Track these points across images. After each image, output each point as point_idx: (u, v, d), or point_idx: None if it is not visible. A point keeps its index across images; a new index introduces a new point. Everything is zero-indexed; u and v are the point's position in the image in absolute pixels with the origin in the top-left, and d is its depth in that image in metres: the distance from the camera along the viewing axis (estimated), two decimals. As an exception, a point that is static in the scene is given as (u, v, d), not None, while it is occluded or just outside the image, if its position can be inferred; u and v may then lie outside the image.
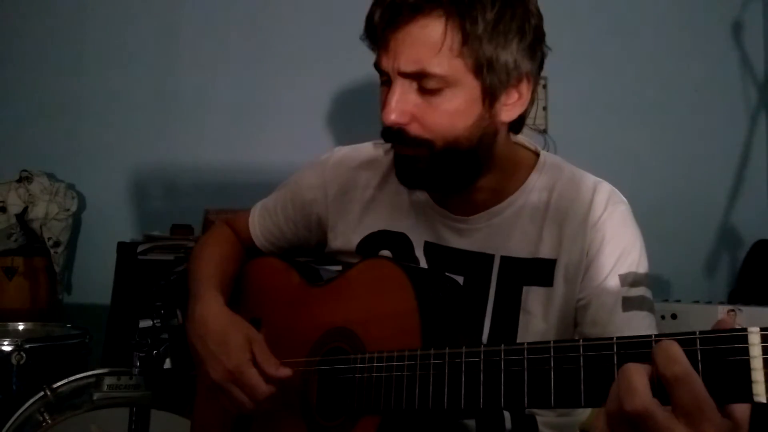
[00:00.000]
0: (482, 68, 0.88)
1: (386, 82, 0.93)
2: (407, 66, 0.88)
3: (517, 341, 0.96)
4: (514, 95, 0.94)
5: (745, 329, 0.56)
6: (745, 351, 0.55)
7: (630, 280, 0.94)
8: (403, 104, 0.90)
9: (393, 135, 0.92)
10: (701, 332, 0.58)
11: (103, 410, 1.48)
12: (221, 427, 1.10)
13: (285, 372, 0.96)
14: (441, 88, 0.88)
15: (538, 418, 0.98)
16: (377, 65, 0.93)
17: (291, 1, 2.55)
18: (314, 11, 2.53)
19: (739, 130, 2.50)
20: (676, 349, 0.57)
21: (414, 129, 0.91)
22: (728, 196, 2.46)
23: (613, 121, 2.51)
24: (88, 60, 2.54)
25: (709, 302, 1.94)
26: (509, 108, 0.94)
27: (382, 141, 1.14)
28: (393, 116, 0.90)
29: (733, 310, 1.72)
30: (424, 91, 0.89)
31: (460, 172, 0.95)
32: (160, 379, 1.50)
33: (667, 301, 1.94)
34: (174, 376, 1.50)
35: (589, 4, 2.53)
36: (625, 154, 2.45)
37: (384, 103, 0.91)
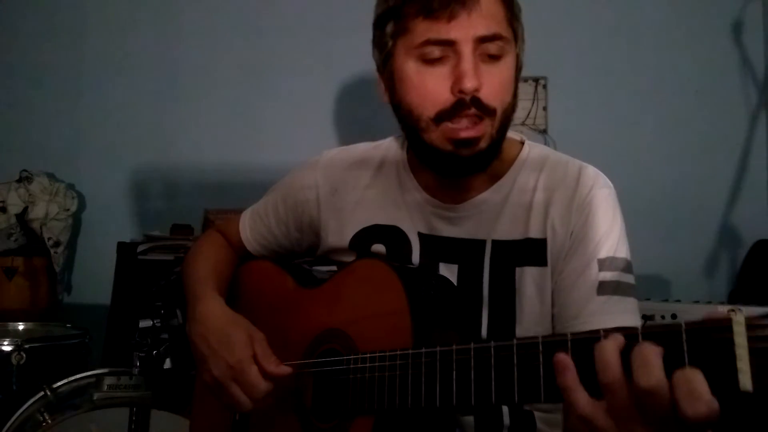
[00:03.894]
0: (519, 39, 0.97)
1: (436, 60, 0.92)
2: (488, 29, 0.91)
3: (516, 324, 0.97)
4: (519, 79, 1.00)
5: (729, 319, 0.55)
6: (730, 341, 0.55)
7: (607, 264, 0.95)
8: (479, 70, 0.91)
9: (470, 103, 0.91)
10: (687, 323, 0.58)
11: (103, 410, 1.48)
12: (219, 429, 1.10)
13: (285, 369, 0.96)
14: (501, 55, 0.93)
15: (537, 414, 0.98)
16: (432, 41, 0.91)
17: (290, 1, 2.55)
18: (313, 12, 2.53)
19: (739, 130, 2.50)
20: (655, 359, 0.57)
21: (485, 96, 0.92)
22: (728, 196, 2.46)
23: (613, 121, 2.51)
24: (88, 60, 2.54)
25: (709, 302, 1.94)
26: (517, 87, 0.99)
27: (373, 142, 1.15)
28: (476, 81, 0.90)
29: (733, 310, 1.71)
30: (488, 59, 0.92)
31: (499, 147, 0.97)
32: (160, 379, 1.50)
33: (667, 301, 1.94)
34: (174, 376, 1.50)
35: (588, 5, 2.53)
36: (625, 154, 2.45)
37: (462, 72, 0.90)
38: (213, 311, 1.06)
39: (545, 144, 2.44)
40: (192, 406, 1.20)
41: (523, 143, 1.06)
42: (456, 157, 0.94)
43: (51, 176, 2.41)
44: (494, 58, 0.92)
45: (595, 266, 0.94)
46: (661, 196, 2.43)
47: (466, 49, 0.90)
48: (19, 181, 2.34)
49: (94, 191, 2.52)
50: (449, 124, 0.92)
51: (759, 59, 2.52)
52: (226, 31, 2.55)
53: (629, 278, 0.96)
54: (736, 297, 2.31)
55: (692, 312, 1.77)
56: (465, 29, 0.90)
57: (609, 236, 0.96)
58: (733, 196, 2.46)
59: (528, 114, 2.49)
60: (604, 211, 0.97)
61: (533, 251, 0.98)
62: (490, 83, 0.92)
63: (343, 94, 2.50)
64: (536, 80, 2.49)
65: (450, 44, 0.91)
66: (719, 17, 2.51)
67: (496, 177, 1.02)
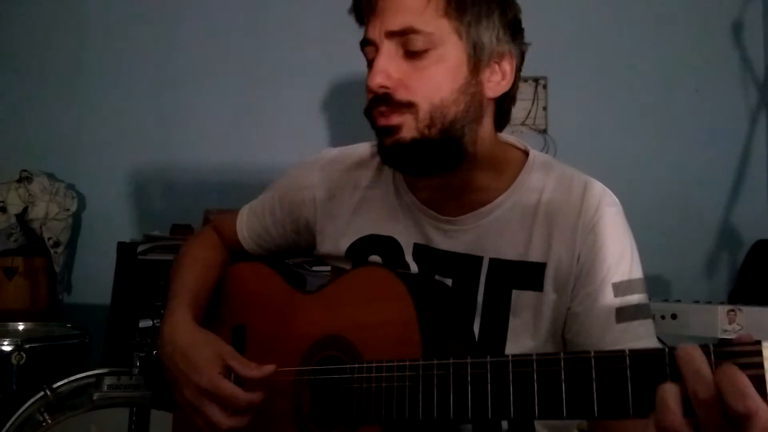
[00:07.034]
0: (466, 30, 0.91)
1: (372, 61, 0.93)
2: (395, 24, 0.89)
3: (507, 345, 0.95)
4: (498, 73, 0.95)
5: (759, 342, 0.56)
6: (761, 365, 0.55)
7: (623, 289, 0.92)
8: (389, 67, 0.90)
9: (379, 100, 0.91)
10: (715, 346, 0.58)
11: (103, 410, 1.48)
12: None
13: (267, 369, 0.94)
14: (427, 50, 0.90)
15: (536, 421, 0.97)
16: (364, 41, 0.94)
17: (290, 2, 2.55)
18: (312, 12, 2.53)
19: (739, 130, 2.50)
20: (745, 381, 0.55)
21: (400, 93, 0.90)
22: (728, 196, 2.46)
23: (613, 121, 2.51)
24: (87, 60, 2.54)
25: (709, 302, 1.93)
26: (493, 85, 0.95)
27: (373, 142, 1.14)
28: (379, 78, 0.89)
29: (733, 310, 1.71)
30: (410, 56, 0.90)
31: (444, 146, 0.92)
32: (160, 379, 1.49)
33: (667, 301, 1.94)
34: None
35: (588, 4, 2.53)
36: (625, 154, 2.45)
37: (370, 70, 0.91)
38: (178, 330, 1.03)
39: (545, 144, 2.44)
40: (173, 423, 1.18)
41: (527, 153, 1.03)
42: (382, 147, 0.94)
43: (51, 176, 2.41)
44: (416, 54, 0.90)
45: (610, 291, 0.92)
46: (661, 196, 2.43)
47: (382, 47, 0.91)
48: (19, 181, 2.34)
49: (94, 191, 2.52)
50: (373, 115, 0.93)
51: (759, 59, 2.52)
52: (225, 32, 2.55)
53: (645, 299, 0.94)
54: (736, 297, 2.31)
55: (692, 312, 1.77)
56: (378, 27, 0.91)
57: (622, 259, 0.93)
58: (733, 196, 2.46)
59: (528, 114, 2.49)
60: (613, 233, 0.94)
61: (531, 275, 0.95)
62: (409, 78, 0.90)
63: (342, 94, 2.50)
64: (536, 80, 2.49)
65: (372, 44, 0.92)
66: (719, 17, 2.51)
67: (497, 189, 0.99)
